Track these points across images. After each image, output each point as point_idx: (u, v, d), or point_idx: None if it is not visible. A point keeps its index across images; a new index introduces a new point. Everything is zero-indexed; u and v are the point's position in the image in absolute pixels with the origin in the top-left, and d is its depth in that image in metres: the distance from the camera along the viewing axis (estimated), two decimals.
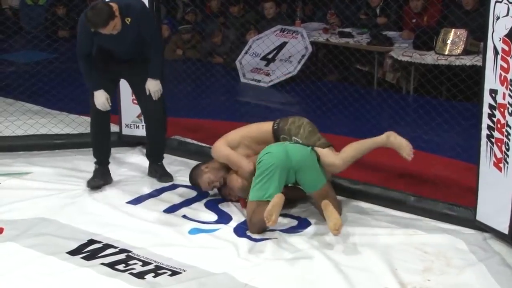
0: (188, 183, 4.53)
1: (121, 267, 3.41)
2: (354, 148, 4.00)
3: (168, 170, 4.76)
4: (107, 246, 3.64)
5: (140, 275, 3.33)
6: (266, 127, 4.20)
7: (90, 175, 4.63)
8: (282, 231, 3.82)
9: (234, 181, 4.10)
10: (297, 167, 3.86)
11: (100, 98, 4.29)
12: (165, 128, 4.78)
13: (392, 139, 3.96)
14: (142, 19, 4.16)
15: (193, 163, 4.84)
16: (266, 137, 4.13)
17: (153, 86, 4.38)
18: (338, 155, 3.96)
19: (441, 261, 3.49)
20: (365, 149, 4.02)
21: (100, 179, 4.50)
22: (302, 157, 3.87)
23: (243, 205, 4.10)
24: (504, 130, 3.46)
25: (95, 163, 4.57)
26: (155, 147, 4.70)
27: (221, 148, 4.15)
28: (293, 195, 4.13)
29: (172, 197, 4.34)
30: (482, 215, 3.72)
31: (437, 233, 3.79)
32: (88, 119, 5.43)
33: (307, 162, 3.87)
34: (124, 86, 4.79)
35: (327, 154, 3.94)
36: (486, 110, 3.57)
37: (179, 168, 4.85)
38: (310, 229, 3.86)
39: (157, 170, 4.69)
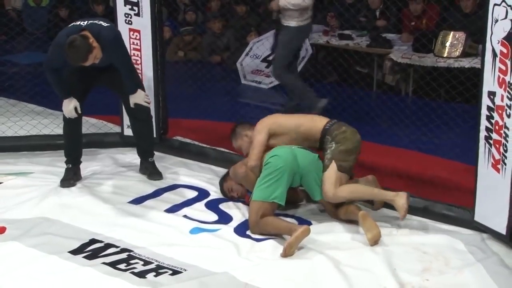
0: (189, 183, 4.57)
1: (122, 266, 3.43)
2: (355, 193, 3.88)
3: (169, 170, 4.79)
4: (109, 245, 3.66)
5: (141, 275, 3.34)
6: (319, 124, 4.08)
7: (91, 175, 4.68)
8: None
9: (238, 168, 4.14)
10: (304, 172, 3.88)
11: (68, 106, 4.30)
12: (151, 124, 4.76)
13: (398, 200, 3.79)
14: (111, 48, 4.13)
15: (194, 163, 4.89)
16: (315, 135, 4.03)
17: (137, 98, 4.40)
18: (337, 188, 3.82)
19: (439, 262, 3.51)
20: (368, 196, 3.96)
21: (72, 178, 4.53)
22: (309, 162, 3.89)
23: (248, 202, 4.12)
24: (502, 131, 3.48)
25: (66, 162, 4.58)
26: (143, 143, 4.71)
27: (261, 130, 4.06)
28: (294, 197, 4.16)
29: (173, 197, 4.36)
30: (480, 216, 3.75)
31: (435, 234, 3.82)
32: (89, 119, 5.50)
33: (313, 168, 3.90)
34: None
35: (327, 178, 3.85)
36: (484, 112, 3.60)
37: (180, 168, 4.88)
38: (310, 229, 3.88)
39: (147, 167, 4.71)
